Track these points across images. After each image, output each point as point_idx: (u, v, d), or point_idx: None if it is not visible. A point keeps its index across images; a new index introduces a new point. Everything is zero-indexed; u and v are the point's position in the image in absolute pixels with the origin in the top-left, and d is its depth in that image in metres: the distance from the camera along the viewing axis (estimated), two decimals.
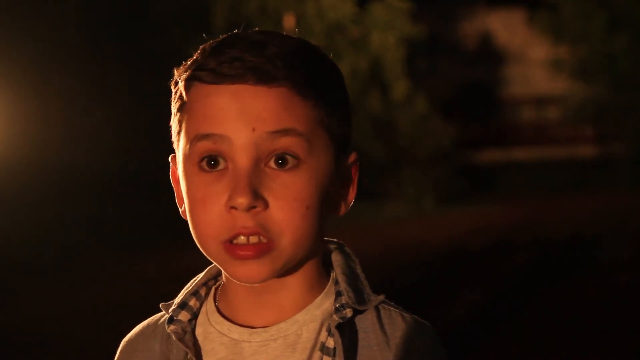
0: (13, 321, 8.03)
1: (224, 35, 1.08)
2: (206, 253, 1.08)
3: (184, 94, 1.07)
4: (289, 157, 1.04)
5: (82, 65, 14.71)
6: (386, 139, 18.50)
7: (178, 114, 1.08)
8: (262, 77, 1.02)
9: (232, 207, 1.02)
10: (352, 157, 1.14)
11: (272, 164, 1.03)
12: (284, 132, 1.03)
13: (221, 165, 1.04)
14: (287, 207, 1.03)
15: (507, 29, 29.26)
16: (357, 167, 1.15)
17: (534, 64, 27.92)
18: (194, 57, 1.08)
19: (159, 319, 1.16)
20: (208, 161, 1.04)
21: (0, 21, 13.49)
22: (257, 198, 1.02)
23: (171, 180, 1.14)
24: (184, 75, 1.07)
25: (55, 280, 10.28)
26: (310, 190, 1.05)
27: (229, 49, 1.04)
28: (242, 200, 1.01)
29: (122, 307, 7.80)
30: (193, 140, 1.05)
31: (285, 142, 1.03)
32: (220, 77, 1.03)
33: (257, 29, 1.09)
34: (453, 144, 19.22)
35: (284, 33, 1.11)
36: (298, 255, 1.06)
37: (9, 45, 13.41)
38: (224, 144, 1.03)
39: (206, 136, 1.03)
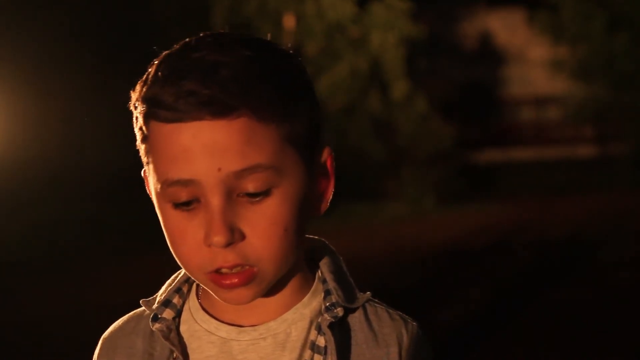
0: (13, 321, 8.03)
1: (177, 49, 1.05)
2: (194, 278, 1.09)
3: (144, 129, 1.05)
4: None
5: (82, 65, 14.71)
6: (386, 139, 18.50)
7: (143, 145, 1.07)
8: (219, 110, 0.99)
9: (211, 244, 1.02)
10: (326, 153, 1.11)
11: (244, 193, 1.02)
12: (250, 169, 1.01)
13: (194, 203, 1.03)
14: (265, 233, 1.02)
15: (507, 29, 29.26)
16: (332, 160, 1.12)
17: (534, 64, 27.93)
18: (148, 80, 1.04)
19: (140, 316, 1.16)
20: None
21: (0, 21, 13.49)
22: (233, 233, 1.01)
23: (149, 193, 1.13)
24: (141, 109, 1.04)
25: (55, 280, 10.28)
26: (286, 211, 1.03)
27: (183, 80, 1.00)
28: (218, 239, 1.01)
29: (122, 307, 7.78)
30: (163, 184, 1.03)
31: (253, 179, 1.01)
32: (177, 114, 1.00)
33: (218, 32, 1.07)
34: (453, 144, 19.23)
35: (234, 34, 1.07)
36: (281, 272, 1.07)
37: (9, 45, 13.41)
38: (194, 186, 1.01)
39: (176, 182, 1.02)
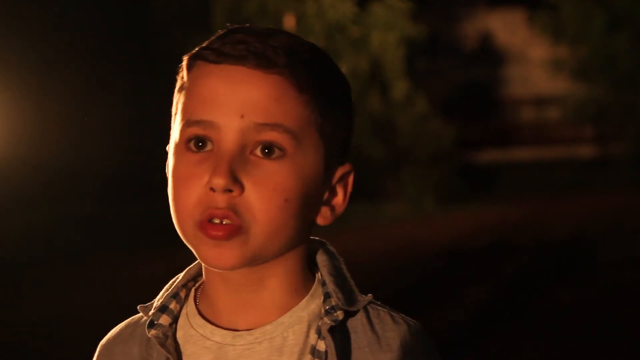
0: (13, 321, 8.03)
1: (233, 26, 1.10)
2: (183, 235, 1.07)
3: (185, 73, 1.08)
4: (275, 148, 1.03)
5: (81, 65, 14.71)
6: (386, 139, 18.50)
7: (178, 96, 1.09)
8: (262, 62, 1.03)
9: (211, 189, 1.02)
10: (347, 168, 1.12)
11: (257, 152, 1.03)
12: (272, 126, 1.02)
13: (208, 147, 1.04)
14: (265, 195, 1.02)
15: (507, 29, 29.27)
16: (351, 179, 1.13)
17: (534, 64, 27.93)
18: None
19: (137, 321, 1.14)
20: (196, 142, 1.05)
21: (0, 21, 13.49)
22: (235, 182, 1.01)
23: (166, 171, 1.13)
24: (189, 56, 1.08)
25: (54, 280, 10.28)
26: (292, 183, 1.04)
27: (236, 33, 1.06)
28: (217, 181, 1.01)
29: (122, 308, 7.78)
30: (185, 124, 1.05)
31: (272, 136, 1.03)
32: (221, 56, 1.04)
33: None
34: (453, 144, 19.23)
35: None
36: (270, 247, 1.05)
37: (9, 45, 13.41)
38: (212, 130, 1.03)
39: (197, 122, 1.04)
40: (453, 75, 28.06)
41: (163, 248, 12.15)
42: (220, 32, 1.08)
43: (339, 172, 1.11)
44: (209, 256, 1.04)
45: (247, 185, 1.02)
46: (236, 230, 1.02)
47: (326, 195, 1.10)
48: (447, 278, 9.34)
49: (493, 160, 25.65)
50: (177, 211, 1.06)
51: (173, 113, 1.10)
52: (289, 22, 17.38)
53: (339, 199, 1.12)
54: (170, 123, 1.12)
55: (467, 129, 24.73)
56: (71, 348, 6.81)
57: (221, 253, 1.03)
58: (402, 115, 18.55)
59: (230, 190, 1.01)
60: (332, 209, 1.12)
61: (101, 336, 1.18)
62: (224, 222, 1.03)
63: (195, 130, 1.04)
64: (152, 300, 1.15)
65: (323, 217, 1.11)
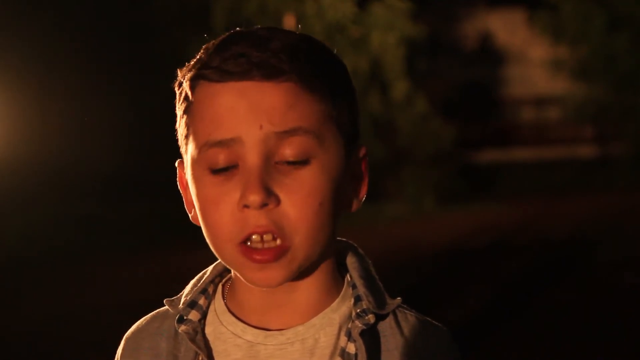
0: (13, 321, 8.03)
1: (227, 33, 1.07)
2: (222, 258, 1.06)
3: (189, 94, 1.05)
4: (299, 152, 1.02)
5: (81, 65, 14.71)
6: (386, 139, 18.48)
7: (185, 117, 1.06)
8: (268, 72, 1.01)
9: (245, 206, 1.00)
10: (362, 151, 1.13)
11: (282, 159, 1.02)
12: (292, 131, 1.01)
13: (232, 165, 1.02)
14: (300, 203, 1.01)
15: (507, 29, 29.25)
16: (366, 162, 1.13)
17: (534, 64, 27.91)
18: (197, 57, 1.06)
19: (164, 315, 1.14)
20: (218, 162, 1.03)
21: (0, 21, 13.49)
22: (270, 195, 1.00)
23: (179, 186, 1.12)
24: (189, 75, 1.05)
25: (54, 280, 10.28)
26: (323, 185, 1.02)
27: (233, 45, 1.03)
28: (254, 198, 0.99)
29: (122, 308, 7.80)
30: (203, 146, 1.03)
31: (294, 141, 1.01)
32: (225, 74, 1.02)
33: (258, 26, 1.09)
34: (453, 144, 19.22)
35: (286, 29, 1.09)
36: (313, 254, 1.04)
37: (9, 45, 13.41)
38: (234, 147, 1.01)
39: (217, 143, 1.02)
40: (453, 75, 28.04)
41: (166, 248, 12.16)
42: (214, 42, 1.06)
43: (356, 158, 1.12)
44: (256, 279, 1.03)
45: (282, 195, 1.01)
46: (282, 250, 1.01)
47: (348, 183, 1.10)
48: (447, 278, 9.34)
49: (493, 160, 25.63)
50: (213, 235, 1.04)
51: (181, 134, 1.08)
52: (289, 22, 17.38)
53: (361, 183, 1.12)
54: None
55: (467, 129, 24.71)
56: (71, 348, 6.82)
57: (269, 275, 1.02)
58: (402, 115, 18.53)
59: (266, 204, 1.00)
60: (357, 195, 1.12)
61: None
62: (264, 238, 1.01)
63: (217, 151, 1.02)
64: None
65: (350, 206, 1.11)
